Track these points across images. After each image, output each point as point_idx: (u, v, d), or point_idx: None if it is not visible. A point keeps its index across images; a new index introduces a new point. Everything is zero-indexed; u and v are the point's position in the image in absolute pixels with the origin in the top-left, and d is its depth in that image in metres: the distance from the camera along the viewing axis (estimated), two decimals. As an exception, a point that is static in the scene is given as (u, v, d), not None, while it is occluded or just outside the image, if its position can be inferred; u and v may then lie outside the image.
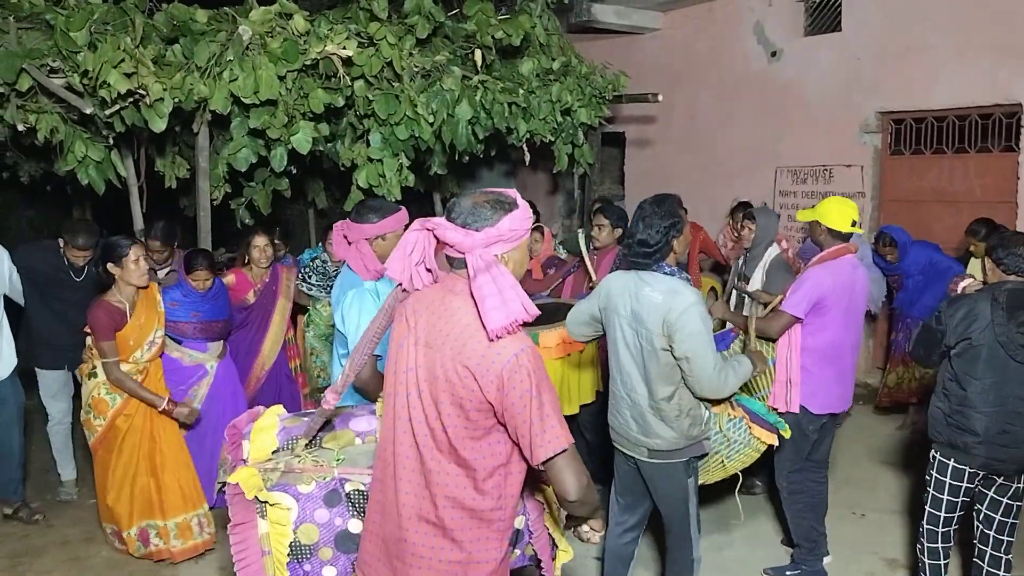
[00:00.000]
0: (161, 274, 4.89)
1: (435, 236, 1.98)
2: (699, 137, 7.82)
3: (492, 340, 1.85)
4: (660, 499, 3.14)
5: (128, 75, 3.92)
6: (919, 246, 5.64)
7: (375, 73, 4.54)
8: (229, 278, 4.80)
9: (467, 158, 5.59)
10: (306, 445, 2.42)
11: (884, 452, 5.51)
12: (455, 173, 6.87)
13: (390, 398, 2.05)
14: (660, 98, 6.28)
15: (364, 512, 2.28)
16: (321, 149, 5.03)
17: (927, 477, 3.36)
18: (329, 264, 5.16)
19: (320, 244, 5.85)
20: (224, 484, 2.38)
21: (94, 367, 4.04)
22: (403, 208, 3.17)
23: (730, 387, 2.94)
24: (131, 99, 4.09)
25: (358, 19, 4.69)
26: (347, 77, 4.50)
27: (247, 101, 4.25)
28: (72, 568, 4.11)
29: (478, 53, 5.03)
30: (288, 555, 2.31)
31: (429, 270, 2.04)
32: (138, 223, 5.30)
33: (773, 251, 4.66)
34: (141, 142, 5.11)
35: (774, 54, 7.21)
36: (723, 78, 7.63)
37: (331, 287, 4.90)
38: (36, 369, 4.84)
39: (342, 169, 5.22)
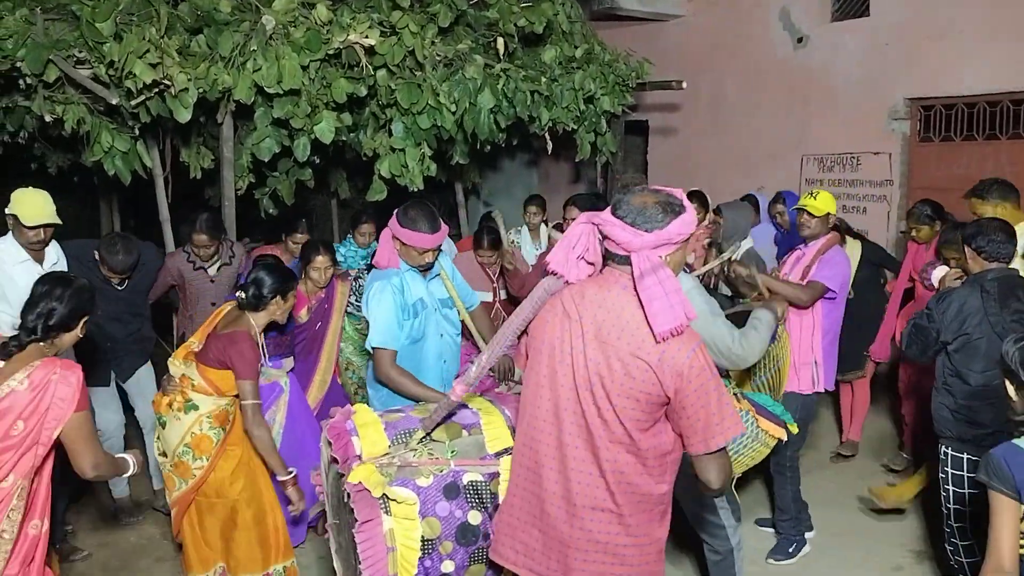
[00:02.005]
0: (212, 271, 4.67)
1: (600, 232, 2.02)
2: (724, 125, 7.73)
3: (658, 342, 1.92)
4: (679, 495, 3.13)
5: (153, 65, 3.96)
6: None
7: (397, 62, 4.54)
8: None
9: (489, 147, 5.57)
10: (420, 439, 2.43)
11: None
12: (477, 162, 6.86)
13: (546, 390, 2.08)
14: (684, 85, 6.21)
15: (483, 502, 2.35)
16: (344, 139, 5.03)
17: (941, 475, 3.32)
18: (362, 279, 4.82)
19: (349, 236, 5.73)
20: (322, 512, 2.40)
21: (189, 399, 3.49)
22: (429, 235, 3.08)
23: (759, 348, 2.93)
24: (156, 89, 4.13)
25: (380, 8, 4.68)
26: (369, 66, 4.49)
27: (270, 91, 4.26)
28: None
29: (500, 41, 5.00)
30: (420, 550, 2.31)
31: (591, 263, 2.08)
32: (163, 212, 5.34)
33: (747, 244, 4.62)
34: (166, 132, 5.15)
35: (800, 40, 7.11)
36: (748, 65, 7.54)
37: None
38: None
39: (364, 159, 5.23)
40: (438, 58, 4.81)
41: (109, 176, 4.61)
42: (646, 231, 1.93)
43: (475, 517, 2.36)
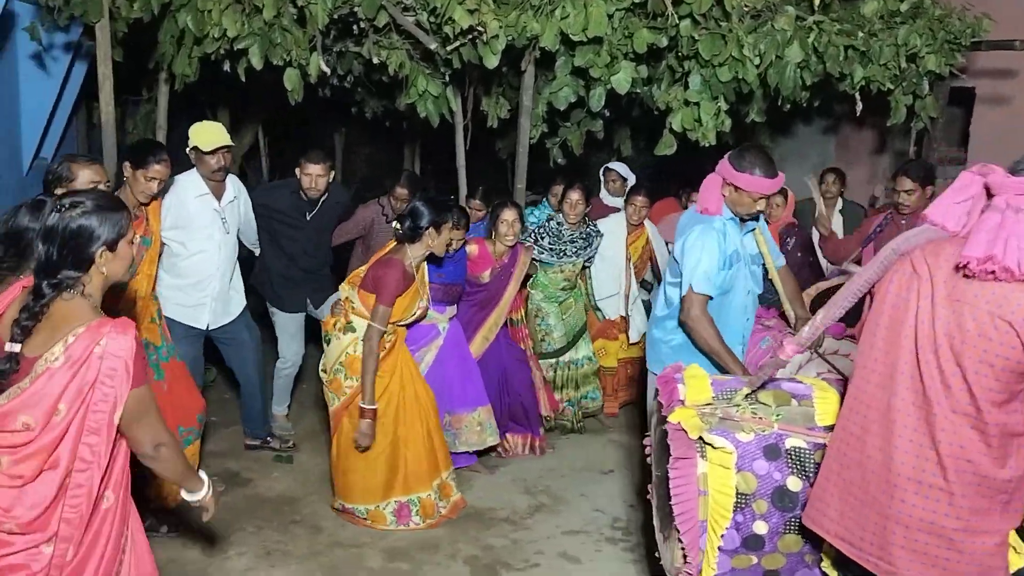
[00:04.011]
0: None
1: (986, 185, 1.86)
2: (1070, 97, 6.63)
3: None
4: None
5: (471, 12, 4.16)
6: None
7: (704, 11, 4.38)
8: (472, 248, 4.55)
9: (788, 106, 5.25)
10: (745, 396, 2.42)
11: None
12: (768, 126, 6.51)
13: (880, 353, 1.96)
14: (1029, 46, 5.38)
15: (804, 470, 2.28)
16: (637, 91, 4.99)
17: None
18: (564, 226, 4.89)
19: (546, 200, 5.66)
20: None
21: (349, 322, 3.74)
22: (773, 179, 2.99)
23: None
24: (470, 36, 4.34)
25: (690, -45, 4.54)
26: (675, 15, 4.39)
27: (575, 38, 4.31)
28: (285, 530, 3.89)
29: (816, -9, 4.64)
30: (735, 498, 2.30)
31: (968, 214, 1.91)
32: (460, 159, 5.66)
33: None
34: (471, 81, 5.44)
35: None
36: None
37: (564, 251, 4.87)
38: (272, 310, 4.76)
39: (655, 113, 5.16)
40: (746, 9, 4.58)
41: (418, 120, 4.98)
42: None
43: (795, 483, 2.27)
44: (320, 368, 3.89)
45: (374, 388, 3.64)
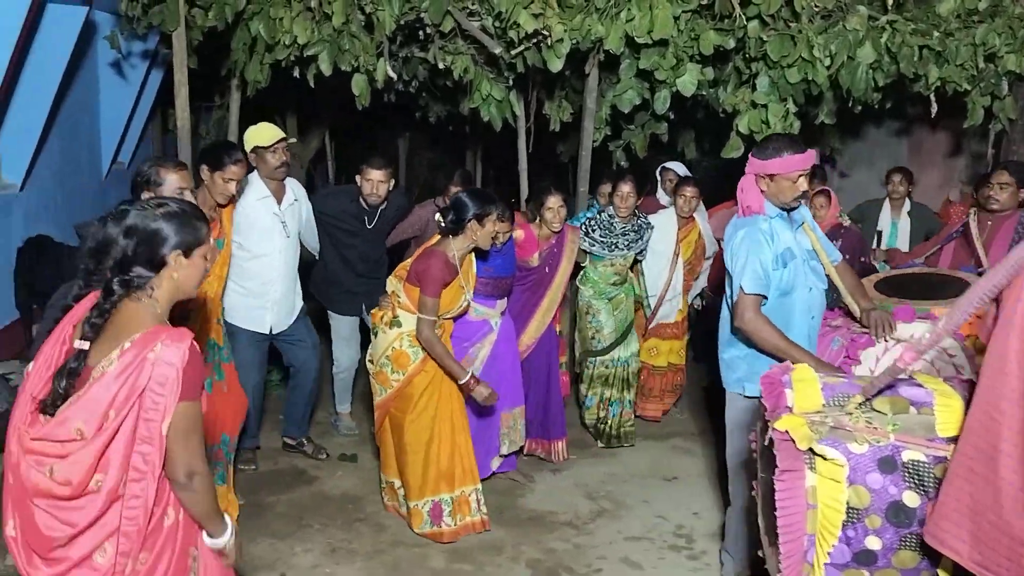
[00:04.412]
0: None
1: None
2: None
3: None
4: None
5: (535, 16, 4.18)
6: None
7: (772, 12, 4.32)
8: (518, 233, 4.48)
9: (859, 108, 5.13)
10: (859, 404, 2.27)
11: None
12: (838, 128, 6.37)
13: (1013, 365, 1.79)
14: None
15: (923, 485, 2.14)
16: (703, 93, 4.94)
17: None
18: (616, 220, 4.75)
19: (595, 200, 5.49)
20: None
21: (396, 316, 3.74)
22: (803, 154, 2.94)
23: None
24: (534, 40, 4.36)
25: (759, -44, 4.48)
26: (743, 17, 4.33)
27: (640, 41, 4.29)
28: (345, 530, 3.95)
29: (889, -10, 4.53)
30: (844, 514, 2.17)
31: None
32: (522, 162, 5.68)
33: None
34: (534, 85, 5.46)
35: None
36: None
37: (615, 244, 4.73)
38: (329, 314, 4.85)
39: (721, 116, 5.10)
40: (816, 9, 4.49)
41: (481, 124, 5.01)
42: None
43: (912, 499, 2.12)
44: (367, 359, 3.92)
45: (458, 363, 3.69)
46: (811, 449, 2.16)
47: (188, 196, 3.13)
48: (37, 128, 5.53)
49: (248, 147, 4.06)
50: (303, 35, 4.38)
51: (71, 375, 1.90)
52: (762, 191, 3.01)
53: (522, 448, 4.49)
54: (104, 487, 1.89)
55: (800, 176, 2.97)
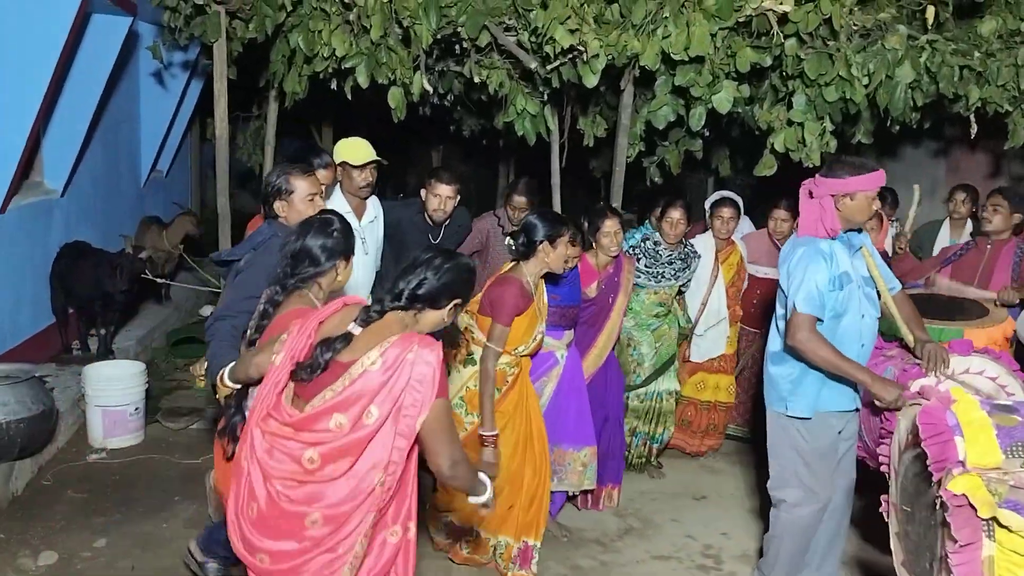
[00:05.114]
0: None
1: None
2: None
3: None
4: None
5: (572, 31, 4.18)
6: None
7: (811, 30, 4.29)
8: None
9: (897, 128, 5.07)
10: None
11: None
12: (875, 148, 6.29)
13: None
14: None
15: None
16: (739, 111, 4.91)
17: None
18: (662, 246, 4.54)
19: (648, 221, 5.18)
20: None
21: (470, 353, 3.54)
22: (879, 171, 2.96)
23: None
24: (570, 55, 4.37)
25: (800, -26, 4.46)
26: (780, 35, 4.31)
27: (676, 58, 4.28)
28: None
29: (931, 10, 4.47)
30: None
31: None
32: (555, 178, 5.68)
33: None
34: (568, 100, 5.47)
35: None
36: None
37: (661, 273, 4.50)
38: None
39: (756, 134, 5.07)
40: (855, 27, 4.46)
41: (514, 139, 5.01)
42: None
43: None
44: None
45: (493, 414, 3.37)
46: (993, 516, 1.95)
47: (319, 201, 3.14)
48: (79, 135, 5.65)
49: (337, 159, 3.89)
50: (341, 48, 4.43)
51: (335, 349, 2.08)
52: (838, 211, 2.98)
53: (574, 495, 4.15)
54: (356, 474, 2.04)
55: (876, 195, 2.99)
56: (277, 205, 3.09)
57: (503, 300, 3.37)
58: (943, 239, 5.18)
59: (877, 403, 2.89)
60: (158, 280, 6.00)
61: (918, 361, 3.05)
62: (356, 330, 2.12)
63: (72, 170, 5.75)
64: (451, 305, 2.27)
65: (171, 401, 5.44)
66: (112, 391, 4.69)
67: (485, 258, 4.75)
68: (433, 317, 2.25)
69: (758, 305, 4.95)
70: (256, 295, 2.79)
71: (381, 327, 2.14)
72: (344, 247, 2.64)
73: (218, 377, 2.62)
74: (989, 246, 4.39)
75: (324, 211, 2.84)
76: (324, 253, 2.58)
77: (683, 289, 4.75)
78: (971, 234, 4.96)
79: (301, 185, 3.09)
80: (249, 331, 2.63)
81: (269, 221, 3.14)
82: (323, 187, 3.41)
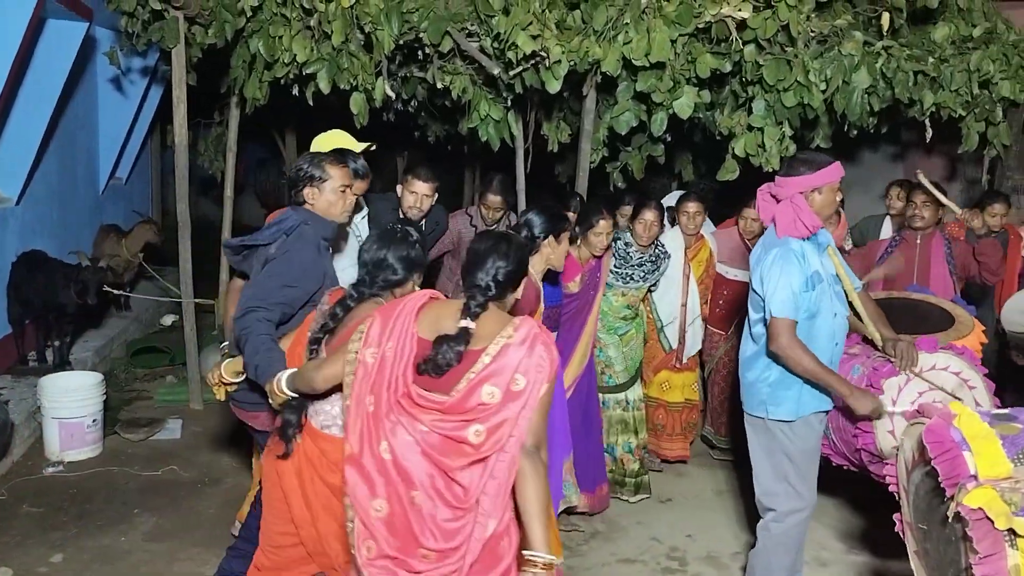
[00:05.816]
0: None
1: None
2: None
3: None
4: None
5: (534, 37, 4.20)
6: None
7: (768, 36, 4.35)
8: None
9: (855, 132, 5.16)
10: None
11: None
12: (833, 152, 6.39)
13: None
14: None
15: None
16: (700, 116, 4.96)
17: None
18: (633, 248, 4.42)
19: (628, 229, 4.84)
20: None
21: None
22: (837, 162, 3.00)
23: None
24: (532, 61, 4.38)
25: (756, -19, 4.53)
26: (739, 41, 4.37)
27: (637, 64, 4.32)
28: None
29: (885, 17, 4.57)
30: None
31: None
32: (520, 182, 5.68)
33: None
34: (532, 106, 5.48)
35: None
36: None
37: (631, 275, 4.40)
38: None
39: (718, 139, 5.12)
40: (812, 34, 4.53)
41: (479, 144, 5.01)
42: None
43: None
44: None
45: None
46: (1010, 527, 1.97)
47: (351, 195, 3.12)
48: (35, 143, 5.53)
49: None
50: (302, 53, 4.40)
51: (456, 360, 2.09)
52: (810, 206, 2.97)
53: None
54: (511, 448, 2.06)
55: (838, 186, 3.02)
56: (307, 191, 3.02)
57: (524, 299, 3.25)
58: (886, 235, 5.25)
59: (856, 414, 2.93)
60: (115, 292, 5.90)
61: (885, 358, 3.08)
62: (471, 324, 2.14)
63: (28, 178, 5.62)
64: (523, 282, 2.37)
65: (130, 412, 5.34)
66: (69, 402, 4.59)
67: (456, 257, 4.62)
68: (511, 297, 2.35)
69: (724, 306, 4.95)
70: (292, 284, 2.76)
71: (490, 316, 2.19)
72: (422, 260, 2.65)
73: (273, 383, 2.53)
74: (919, 241, 4.44)
75: (401, 221, 2.79)
76: (404, 264, 2.57)
77: (652, 289, 4.70)
78: (896, 229, 5.00)
79: (336, 173, 3.05)
80: (311, 331, 2.54)
81: (296, 207, 3.06)
82: (356, 197, 3.30)
